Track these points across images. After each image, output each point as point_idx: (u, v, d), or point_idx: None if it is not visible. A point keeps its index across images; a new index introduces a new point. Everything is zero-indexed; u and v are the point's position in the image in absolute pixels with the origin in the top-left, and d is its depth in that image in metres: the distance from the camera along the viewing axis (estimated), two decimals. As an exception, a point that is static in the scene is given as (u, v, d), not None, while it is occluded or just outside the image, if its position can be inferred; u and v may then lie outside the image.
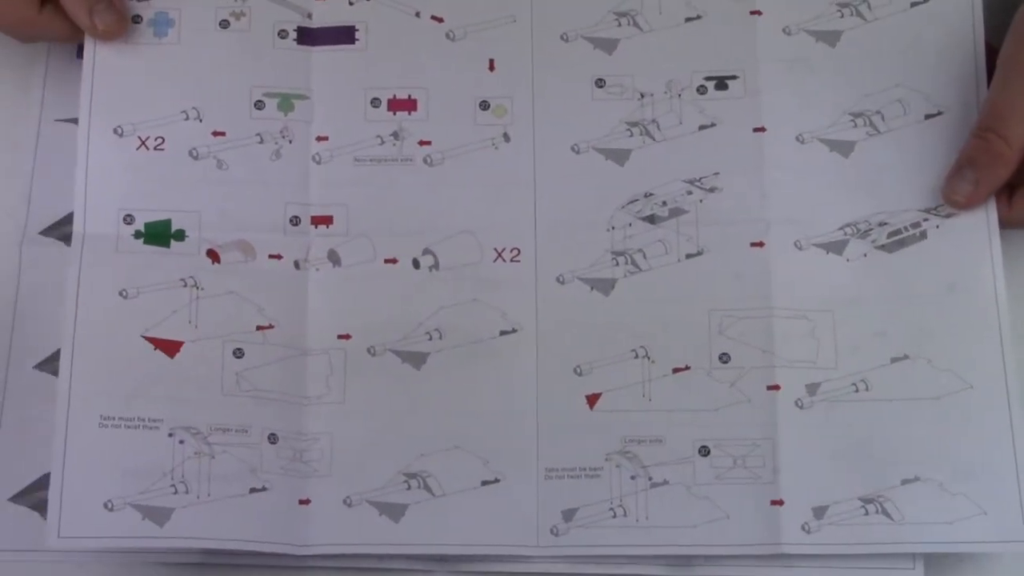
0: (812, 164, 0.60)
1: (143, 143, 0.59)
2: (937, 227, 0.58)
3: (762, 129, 0.60)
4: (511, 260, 0.60)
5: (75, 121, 0.61)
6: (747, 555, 0.56)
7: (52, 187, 0.62)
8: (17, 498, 0.58)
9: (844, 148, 0.60)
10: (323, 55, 0.62)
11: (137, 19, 0.61)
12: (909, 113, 0.59)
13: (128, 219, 0.58)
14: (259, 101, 0.61)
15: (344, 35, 0.62)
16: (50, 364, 0.59)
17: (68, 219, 0.60)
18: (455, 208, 0.60)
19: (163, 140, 0.59)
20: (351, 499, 0.57)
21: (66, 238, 0.60)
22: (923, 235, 0.58)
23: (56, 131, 0.63)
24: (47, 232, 0.61)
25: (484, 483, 0.57)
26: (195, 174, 0.59)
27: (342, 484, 0.57)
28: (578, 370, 0.58)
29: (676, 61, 0.61)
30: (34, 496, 0.58)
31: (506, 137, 0.61)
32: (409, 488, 0.57)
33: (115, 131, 0.59)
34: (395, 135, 0.61)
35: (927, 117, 0.59)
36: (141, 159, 0.59)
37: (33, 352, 0.60)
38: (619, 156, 0.61)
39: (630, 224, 0.60)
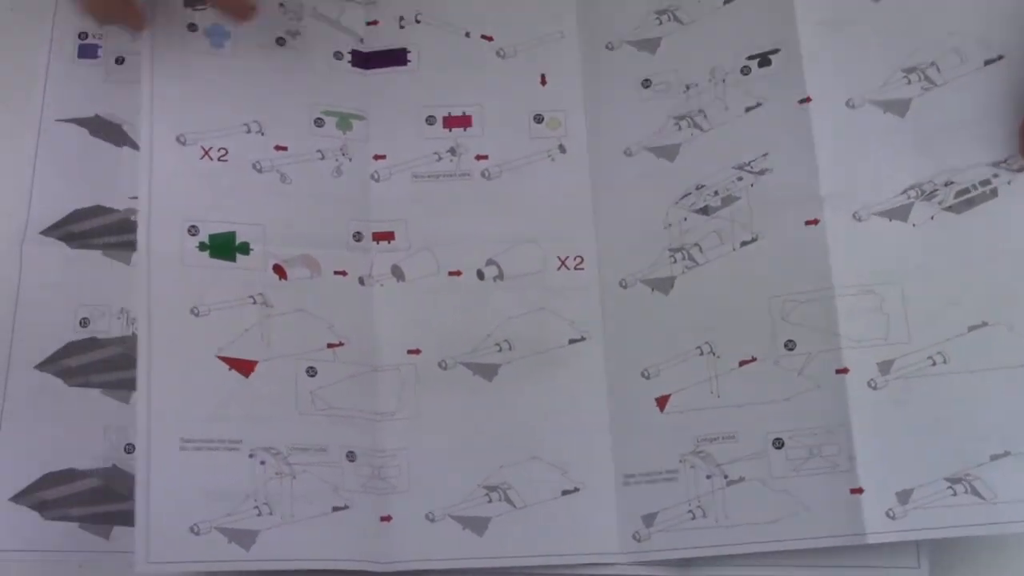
0: (866, 129, 0.56)
1: (206, 153, 0.60)
2: (1009, 183, 0.54)
3: (808, 100, 0.57)
4: (575, 268, 0.60)
5: (75, 121, 0.62)
6: (830, 548, 0.54)
7: (53, 187, 0.61)
8: (18, 498, 0.58)
9: (899, 107, 0.56)
10: (377, 77, 0.63)
11: (193, 28, 0.62)
12: (966, 61, 0.56)
13: (192, 230, 0.59)
14: (319, 118, 0.62)
15: (397, 57, 0.63)
16: (51, 364, 0.59)
17: (69, 219, 0.61)
18: (516, 219, 0.60)
19: (226, 152, 0.60)
20: (433, 514, 0.57)
21: (67, 238, 0.61)
22: (994, 192, 0.54)
23: (57, 131, 0.62)
24: (48, 232, 0.61)
25: (564, 492, 0.57)
26: (259, 187, 0.60)
27: (422, 499, 0.57)
28: (646, 373, 0.57)
29: (718, 47, 0.60)
30: (35, 496, 0.58)
31: (562, 148, 0.61)
32: (490, 501, 0.57)
33: (178, 139, 0.60)
34: (452, 151, 0.62)
35: (987, 63, 0.55)
36: (205, 168, 0.60)
37: (35, 352, 0.59)
38: (669, 152, 0.60)
39: (685, 219, 0.58)
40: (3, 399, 0.59)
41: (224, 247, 0.58)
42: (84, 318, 0.60)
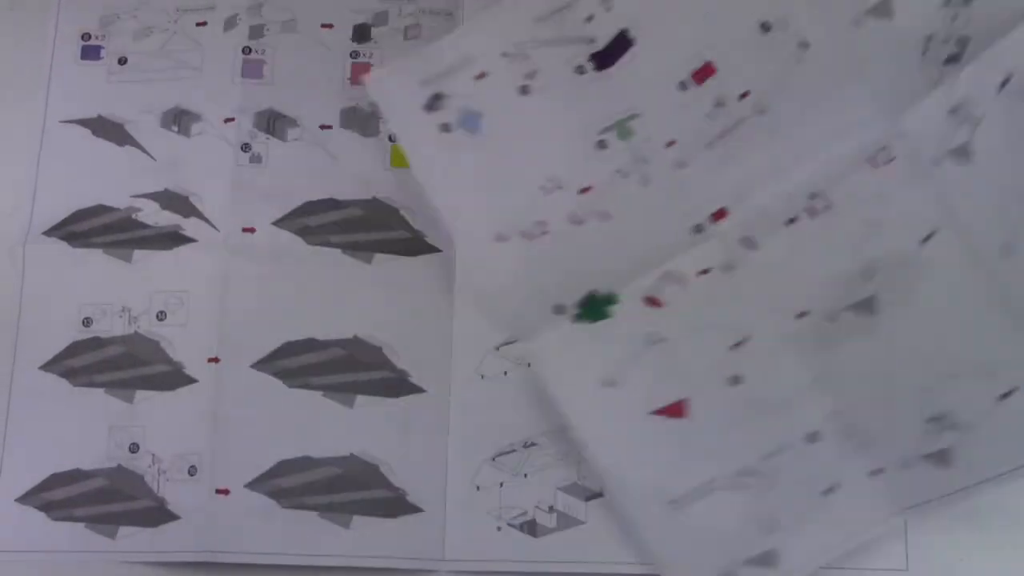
0: None
1: (526, 236, 0.59)
2: None
3: None
4: (884, 163, 0.56)
5: (78, 122, 0.62)
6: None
7: (56, 187, 0.62)
8: (24, 498, 0.59)
9: None
10: (621, 70, 0.59)
11: (446, 128, 0.59)
12: None
13: (558, 309, 0.58)
14: (600, 141, 0.59)
15: (624, 42, 0.60)
16: (55, 364, 0.60)
17: (71, 219, 0.61)
18: (803, 138, 0.57)
19: (545, 222, 0.59)
20: (881, 470, 0.57)
21: (69, 237, 0.61)
22: None
23: (60, 132, 0.63)
24: (50, 232, 0.61)
25: (1002, 396, 0.54)
26: (590, 240, 0.59)
27: (867, 458, 0.57)
28: (1006, 248, 0.54)
29: None
30: (41, 496, 0.58)
31: (803, 45, 0.57)
32: (941, 431, 0.55)
33: (497, 238, 0.59)
34: (717, 103, 0.58)
35: None
36: (535, 251, 0.59)
37: (38, 352, 0.60)
38: None
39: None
40: (8, 400, 0.60)
41: (596, 310, 0.58)
42: (87, 317, 0.61)
